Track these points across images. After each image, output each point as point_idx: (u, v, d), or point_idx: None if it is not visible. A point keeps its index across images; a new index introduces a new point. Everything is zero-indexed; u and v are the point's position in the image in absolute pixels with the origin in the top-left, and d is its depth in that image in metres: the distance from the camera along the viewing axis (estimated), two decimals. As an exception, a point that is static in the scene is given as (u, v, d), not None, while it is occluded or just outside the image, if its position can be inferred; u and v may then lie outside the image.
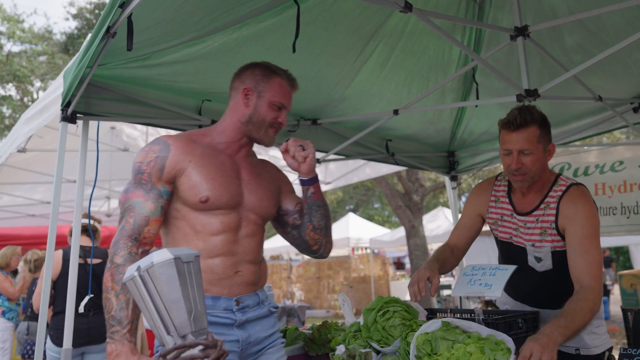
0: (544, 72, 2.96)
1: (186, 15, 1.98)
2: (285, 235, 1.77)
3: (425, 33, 2.81)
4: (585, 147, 3.39)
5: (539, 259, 1.87)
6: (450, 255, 2.08)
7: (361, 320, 1.76)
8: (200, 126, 2.78)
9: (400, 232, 13.06)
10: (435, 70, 3.07)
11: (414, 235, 9.28)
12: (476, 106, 2.97)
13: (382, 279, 14.03)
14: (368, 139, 3.51)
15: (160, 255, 1.10)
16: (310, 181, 1.64)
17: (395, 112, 2.81)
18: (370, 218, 21.56)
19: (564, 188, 1.83)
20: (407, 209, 9.25)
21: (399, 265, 21.35)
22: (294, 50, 1.98)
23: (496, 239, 2.05)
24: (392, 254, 17.35)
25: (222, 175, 1.56)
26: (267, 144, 1.66)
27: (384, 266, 14.44)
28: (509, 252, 1.98)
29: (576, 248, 1.72)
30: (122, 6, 1.62)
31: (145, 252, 1.43)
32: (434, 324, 1.48)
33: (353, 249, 14.13)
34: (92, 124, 2.60)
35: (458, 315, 1.64)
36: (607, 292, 10.80)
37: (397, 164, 3.77)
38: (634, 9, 2.37)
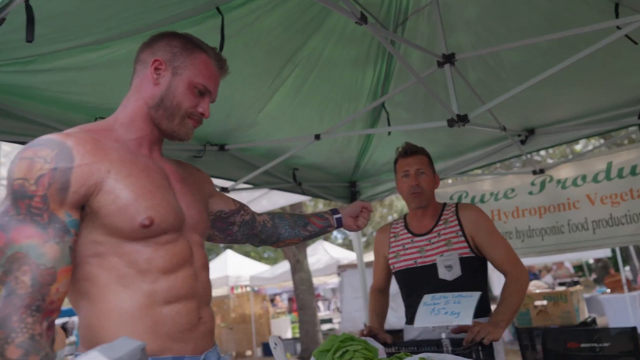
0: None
1: (94, 9, 1.66)
2: (230, 236, 1.51)
3: (341, 60, 2.79)
4: (480, 176, 3.64)
5: (449, 267, 1.99)
6: (383, 299, 2.28)
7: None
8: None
9: (280, 267, 12.89)
10: (348, 98, 3.05)
11: (299, 269, 9.18)
12: (389, 133, 3.00)
13: (263, 318, 13.60)
14: (276, 167, 3.34)
15: None
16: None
17: (317, 137, 2.70)
18: (246, 254, 21.04)
19: (453, 207, 2.13)
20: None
21: (274, 302, 21.05)
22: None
23: (396, 273, 2.18)
24: (272, 291, 17.02)
25: (157, 187, 1.14)
26: (184, 137, 1.24)
27: (265, 304, 14.04)
28: (414, 277, 2.09)
29: (490, 245, 1.99)
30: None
31: (51, 326, 0.95)
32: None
33: (232, 288, 13.52)
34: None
35: (426, 348, 1.52)
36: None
37: (304, 193, 3.64)
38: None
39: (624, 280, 7.68)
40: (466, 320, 1.44)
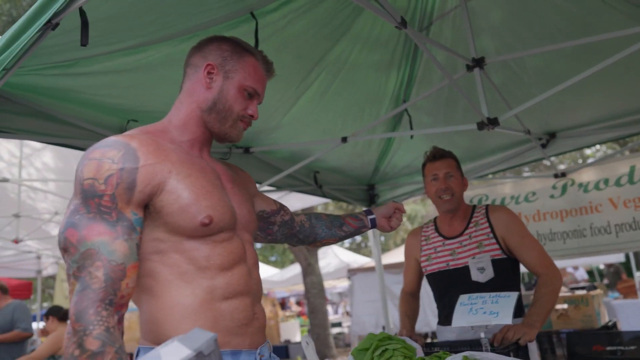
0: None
1: (140, 13, 1.70)
2: (270, 236, 1.54)
3: (366, 64, 2.82)
4: (501, 179, 3.65)
5: (481, 270, 2.00)
6: (414, 302, 2.31)
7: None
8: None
9: (290, 271, 12.91)
10: (371, 102, 3.09)
11: (311, 273, 9.20)
12: (411, 137, 3.02)
13: (272, 321, 13.61)
14: (298, 170, 3.38)
15: (172, 354, 0.75)
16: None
17: (344, 139, 2.73)
18: (254, 258, 21.06)
19: (483, 209, 2.15)
20: (304, 246, 9.19)
21: (282, 305, 21.05)
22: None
23: (428, 276, 2.21)
24: (281, 294, 17.03)
25: (213, 186, 1.17)
26: (235, 139, 1.28)
27: (274, 307, 14.05)
28: (448, 279, 2.10)
29: (522, 246, 2.00)
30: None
31: (121, 320, 0.99)
32: (455, 360, 1.36)
33: (242, 291, 13.56)
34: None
35: (462, 348, 1.54)
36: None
37: (324, 196, 3.67)
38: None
39: (637, 286, 7.64)
40: (506, 320, 1.46)
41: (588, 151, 12.11)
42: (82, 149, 2.33)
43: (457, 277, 2.03)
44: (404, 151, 3.58)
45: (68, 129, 2.27)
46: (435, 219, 2.27)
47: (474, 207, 2.19)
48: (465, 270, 2.01)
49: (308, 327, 11.86)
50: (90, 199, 1.01)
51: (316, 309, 9.09)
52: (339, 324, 12.14)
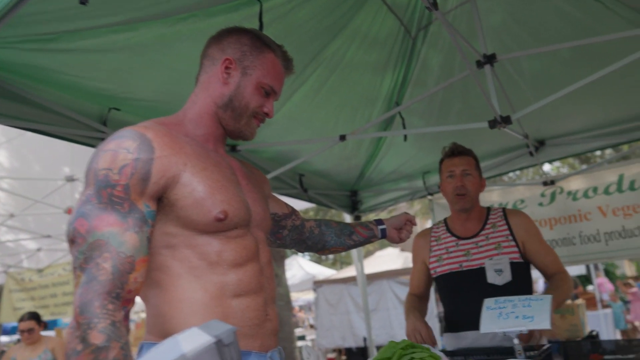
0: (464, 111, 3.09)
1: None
2: (279, 240, 1.50)
3: (362, 63, 2.72)
4: (490, 186, 3.62)
5: (499, 271, 1.93)
6: (422, 304, 2.16)
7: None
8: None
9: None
10: (365, 102, 2.98)
11: (278, 284, 8.95)
12: (405, 139, 2.93)
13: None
14: (283, 172, 3.21)
15: (192, 340, 0.70)
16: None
17: (342, 137, 2.60)
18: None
19: (500, 211, 2.08)
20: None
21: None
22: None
23: (438, 278, 2.09)
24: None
25: (229, 181, 1.14)
26: (249, 137, 1.26)
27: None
28: (460, 281, 2.01)
29: (541, 251, 1.98)
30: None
31: (127, 317, 0.94)
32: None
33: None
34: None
35: (495, 357, 1.41)
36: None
37: (310, 200, 3.52)
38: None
39: (597, 298, 7.86)
40: (544, 324, 1.35)
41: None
42: (55, 136, 2.09)
43: (471, 279, 1.93)
44: (392, 156, 3.48)
45: (41, 113, 2.03)
46: (445, 219, 2.16)
47: (489, 208, 2.12)
48: (481, 272, 1.92)
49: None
50: (103, 189, 0.97)
51: (282, 322, 8.83)
52: (302, 337, 11.89)
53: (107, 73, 2.00)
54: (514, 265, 1.91)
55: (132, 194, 0.98)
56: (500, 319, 1.42)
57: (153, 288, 1.07)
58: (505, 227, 1.99)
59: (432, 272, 2.08)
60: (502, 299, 1.50)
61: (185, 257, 1.05)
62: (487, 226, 2.02)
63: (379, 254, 11.34)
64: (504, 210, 2.07)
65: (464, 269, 1.97)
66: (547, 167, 11.60)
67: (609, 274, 11.68)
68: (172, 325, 1.03)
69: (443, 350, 1.68)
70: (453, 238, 2.06)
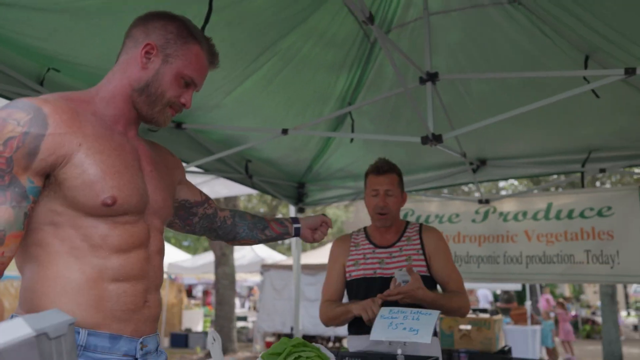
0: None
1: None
2: (188, 226, 1.49)
3: (317, 61, 2.73)
4: (429, 197, 3.72)
5: (406, 282, 2.00)
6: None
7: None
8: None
9: (203, 258, 12.52)
10: (317, 99, 3.00)
11: (224, 263, 8.97)
12: (351, 140, 2.97)
13: (175, 307, 13.14)
14: (230, 155, 3.21)
15: (10, 331, 0.67)
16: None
17: (284, 131, 2.62)
18: (166, 240, 20.25)
19: (417, 227, 2.19)
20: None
21: (189, 293, 20.46)
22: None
23: (351, 281, 2.16)
24: (189, 281, 16.49)
25: (126, 167, 1.13)
26: (161, 124, 1.24)
27: (180, 294, 13.57)
28: (371, 286, 2.07)
29: (445, 268, 2.10)
30: None
31: None
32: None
33: (148, 273, 12.95)
34: None
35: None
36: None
37: (253, 187, 3.53)
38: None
39: (529, 314, 8.23)
40: (425, 339, 1.43)
41: (503, 183, 12.91)
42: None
43: (381, 286, 2.00)
44: (340, 154, 3.53)
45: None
46: (365, 228, 2.23)
47: (407, 222, 2.21)
48: (391, 280, 1.99)
49: (212, 318, 11.56)
50: None
51: (224, 301, 8.86)
52: (244, 318, 11.96)
53: (46, 32, 1.94)
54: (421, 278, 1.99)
55: (14, 167, 0.97)
56: (389, 329, 1.49)
57: (30, 263, 1.06)
58: (418, 241, 2.09)
59: (347, 275, 2.15)
60: (396, 309, 1.57)
61: (68, 236, 1.05)
62: (403, 239, 2.12)
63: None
64: (420, 225, 2.17)
65: (377, 275, 2.05)
66: (502, 184, 11.97)
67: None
68: (41, 302, 1.04)
69: (344, 350, 1.74)
70: (371, 246, 2.15)
